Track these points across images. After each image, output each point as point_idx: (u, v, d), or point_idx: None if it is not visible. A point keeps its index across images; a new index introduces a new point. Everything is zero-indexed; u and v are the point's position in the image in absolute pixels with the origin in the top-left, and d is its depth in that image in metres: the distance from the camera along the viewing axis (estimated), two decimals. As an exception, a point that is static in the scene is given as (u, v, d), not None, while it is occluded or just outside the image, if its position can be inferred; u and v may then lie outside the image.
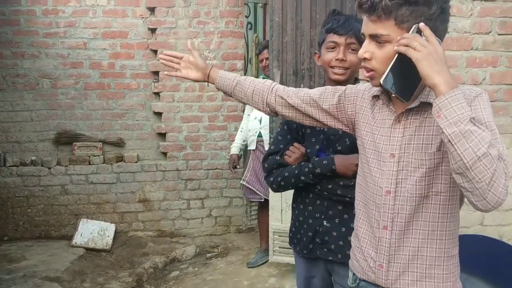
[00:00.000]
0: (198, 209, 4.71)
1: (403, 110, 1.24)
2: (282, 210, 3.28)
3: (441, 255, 1.24)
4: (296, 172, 1.76)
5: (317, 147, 1.78)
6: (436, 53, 1.05)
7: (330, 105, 1.43)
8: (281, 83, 3.20)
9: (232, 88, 1.55)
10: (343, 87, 1.45)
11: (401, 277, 1.26)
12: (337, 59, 1.71)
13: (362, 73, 1.86)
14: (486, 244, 2.17)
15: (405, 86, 1.14)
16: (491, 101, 1.20)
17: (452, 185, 1.20)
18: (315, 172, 1.71)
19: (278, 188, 1.86)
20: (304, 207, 1.84)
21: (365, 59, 1.20)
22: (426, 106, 1.20)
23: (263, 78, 3.79)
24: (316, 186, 1.75)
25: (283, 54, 3.17)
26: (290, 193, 3.24)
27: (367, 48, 1.19)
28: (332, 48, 1.73)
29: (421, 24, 1.09)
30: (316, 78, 3.11)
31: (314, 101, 1.44)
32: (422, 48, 1.05)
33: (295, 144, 1.82)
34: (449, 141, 1.01)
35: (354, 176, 1.58)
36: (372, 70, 1.20)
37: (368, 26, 1.18)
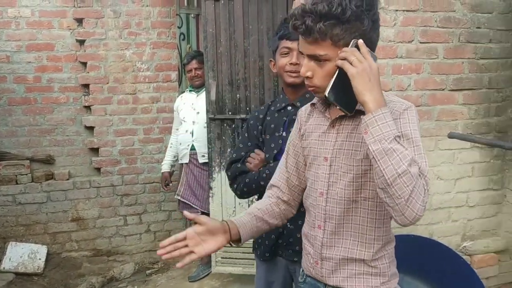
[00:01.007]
0: (135, 225, 4.58)
1: (338, 116, 1.30)
2: (223, 220, 3.26)
3: (369, 258, 1.30)
4: (255, 178, 1.82)
5: (275, 151, 1.83)
6: (370, 70, 1.11)
7: (298, 156, 1.46)
8: (217, 93, 3.20)
9: (258, 230, 1.44)
10: (292, 131, 1.50)
11: (333, 274, 1.32)
12: (291, 63, 1.80)
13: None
14: (419, 243, 2.28)
15: (348, 98, 1.18)
16: (416, 106, 1.29)
17: None
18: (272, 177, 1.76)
19: (242, 195, 1.93)
20: None
21: (307, 77, 1.24)
22: (360, 113, 1.22)
23: (190, 90, 3.81)
24: None
25: (218, 64, 3.18)
26: (231, 204, 3.25)
27: (308, 67, 1.24)
28: (285, 53, 1.82)
29: (360, 41, 1.14)
30: (251, 88, 3.14)
31: (297, 168, 1.46)
32: (358, 64, 1.11)
33: (256, 150, 1.89)
34: (373, 157, 1.08)
35: None
36: (315, 86, 1.25)
37: (306, 47, 1.22)
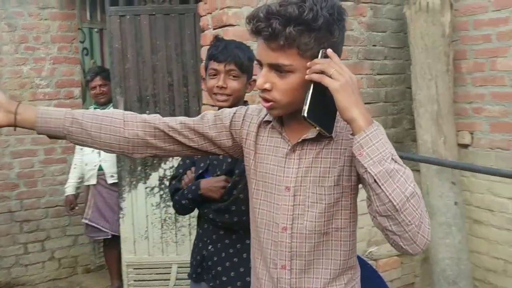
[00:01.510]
0: (38, 253, 4.25)
1: (299, 140, 1.13)
2: (135, 241, 3.14)
3: None
4: (180, 196, 1.78)
5: (201, 171, 1.79)
6: (352, 82, 0.97)
7: (214, 133, 1.25)
8: (125, 110, 3.09)
9: (66, 129, 1.17)
10: (229, 111, 1.28)
11: None
12: (218, 86, 1.70)
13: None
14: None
15: (326, 118, 1.05)
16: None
17: (352, 220, 1.16)
18: (187, 197, 1.74)
19: (178, 212, 1.90)
20: (199, 231, 1.85)
21: (264, 89, 1.07)
22: (322, 136, 1.10)
23: (95, 107, 3.65)
24: (199, 209, 1.79)
25: (126, 81, 3.08)
26: (143, 224, 3.14)
27: (267, 78, 1.06)
28: (214, 75, 1.72)
29: (329, 50, 1.00)
30: (161, 104, 3.09)
31: (192, 129, 1.24)
32: (340, 76, 0.96)
33: (192, 168, 1.83)
34: (375, 181, 0.93)
35: (223, 199, 1.63)
36: (272, 101, 1.08)
37: (267, 55, 1.04)
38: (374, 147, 0.94)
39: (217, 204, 1.68)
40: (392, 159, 0.95)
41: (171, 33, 3.08)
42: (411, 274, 3.27)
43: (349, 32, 2.89)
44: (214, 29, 2.73)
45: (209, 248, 1.74)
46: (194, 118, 1.28)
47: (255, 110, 1.27)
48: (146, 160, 3.15)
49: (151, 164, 3.16)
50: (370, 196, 0.98)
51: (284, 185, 1.15)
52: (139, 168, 3.16)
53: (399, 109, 3.21)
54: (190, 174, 1.81)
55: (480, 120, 2.91)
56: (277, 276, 1.16)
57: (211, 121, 1.26)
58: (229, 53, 1.69)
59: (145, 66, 3.09)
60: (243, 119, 1.25)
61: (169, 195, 1.98)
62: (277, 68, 1.04)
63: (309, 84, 1.01)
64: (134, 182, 3.16)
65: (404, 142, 3.26)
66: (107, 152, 1.27)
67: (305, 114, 0.99)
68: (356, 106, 0.96)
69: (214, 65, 1.71)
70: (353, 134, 0.98)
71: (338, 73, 0.96)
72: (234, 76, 1.71)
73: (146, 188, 3.16)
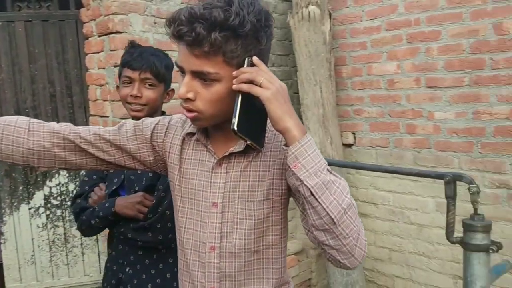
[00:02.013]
0: None
1: (226, 154, 1.06)
2: (20, 267, 2.87)
3: None
4: (89, 215, 1.62)
5: (114, 187, 1.64)
6: (282, 90, 0.92)
7: (133, 146, 1.14)
8: (1, 125, 2.83)
9: None
10: (150, 121, 1.18)
11: None
12: (132, 95, 1.60)
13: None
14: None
15: (257, 130, 0.98)
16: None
17: (283, 236, 1.10)
18: (98, 215, 1.59)
19: (84, 233, 1.71)
20: (111, 252, 1.69)
21: (187, 99, 0.98)
22: (250, 148, 1.03)
23: None
24: (114, 230, 1.63)
25: (1, 92, 2.82)
26: (28, 248, 2.88)
27: (190, 87, 0.97)
28: (128, 83, 1.62)
29: (255, 58, 0.94)
30: (43, 116, 2.87)
31: (108, 140, 1.13)
32: (270, 85, 0.90)
33: (101, 185, 1.67)
34: (312, 194, 0.88)
35: (148, 217, 1.51)
36: (196, 112, 0.99)
37: (190, 61, 0.95)
38: (310, 158, 0.89)
39: (138, 222, 1.56)
40: (327, 170, 0.91)
41: (50, 41, 2.88)
42: (308, 270, 3.41)
43: (237, 39, 2.95)
44: (99, 36, 2.61)
45: (127, 270, 1.61)
46: (110, 128, 1.16)
47: (179, 121, 1.17)
48: (29, 179, 2.91)
49: (34, 183, 2.92)
50: (305, 209, 0.93)
51: (211, 201, 1.07)
52: (20, 188, 2.90)
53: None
54: (99, 191, 1.66)
55: (361, 121, 3.15)
56: None
57: (130, 132, 1.15)
58: (144, 60, 1.60)
59: (23, 76, 2.85)
60: (166, 131, 1.16)
61: (71, 215, 1.81)
62: (201, 76, 0.96)
63: (237, 95, 0.93)
64: (15, 203, 2.90)
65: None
66: (10, 164, 1.13)
67: (235, 128, 0.90)
68: (290, 116, 0.90)
69: (128, 72, 1.61)
70: (286, 145, 0.92)
71: (268, 82, 0.90)
72: (149, 85, 1.61)
73: (30, 209, 2.91)
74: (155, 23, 2.62)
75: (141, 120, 1.19)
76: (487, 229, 1.52)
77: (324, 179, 0.88)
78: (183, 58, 0.97)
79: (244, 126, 0.91)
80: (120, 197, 1.60)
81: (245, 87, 0.91)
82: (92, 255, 2.97)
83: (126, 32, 2.50)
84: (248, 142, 0.95)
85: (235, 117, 0.90)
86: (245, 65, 0.94)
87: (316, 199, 0.87)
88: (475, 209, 1.55)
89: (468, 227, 1.54)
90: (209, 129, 1.10)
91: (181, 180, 1.12)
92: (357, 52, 3.11)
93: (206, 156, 1.09)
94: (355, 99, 3.16)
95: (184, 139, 1.13)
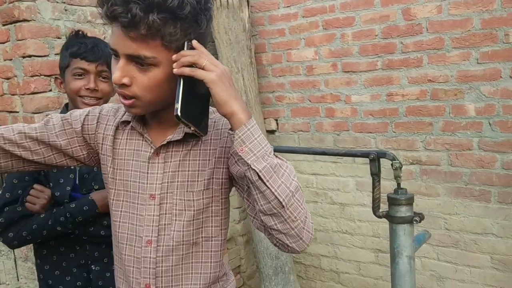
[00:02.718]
0: None
1: (164, 142, 1.01)
2: None
3: None
4: (50, 223, 1.47)
5: (68, 188, 1.51)
6: (227, 73, 0.89)
7: (63, 141, 1.07)
8: None
9: None
10: (79, 113, 1.11)
11: None
12: (88, 89, 1.51)
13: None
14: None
15: (200, 116, 0.93)
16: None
17: (224, 228, 1.07)
18: (75, 222, 1.47)
19: (21, 244, 1.53)
20: (58, 258, 1.55)
21: (123, 84, 0.92)
22: (189, 136, 1.01)
23: None
24: (74, 232, 1.51)
25: None
26: None
27: (125, 72, 0.91)
28: (80, 75, 1.52)
29: (195, 42, 0.91)
30: None
31: (35, 138, 1.05)
32: (213, 67, 0.87)
33: (37, 186, 1.48)
34: (260, 178, 0.85)
35: None
36: (132, 98, 0.94)
37: (125, 44, 0.89)
38: (256, 141, 0.87)
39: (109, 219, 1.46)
40: (274, 154, 0.90)
41: None
42: (237, 258, 3.44)
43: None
44: (4, 25, 2.40)
45: (93, 268, 1.54)
46: (36, 124, 1.08)
47: (111, 110, 1.12)
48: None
49: None
50: (251, 196, 0.91)
51: (148, 193, 1.02)
52: None
53: (211, 103, 3.32)
54: (42, 194, 1.47)
55: (283, 107, 3.21)
56: None
57: (58, 126, 1.07)
58: (101, 52, 1.53)
59: None
60: (97, 121, 1.10)
61: None
62: (137, 61, 0.91)
63: (178, 79, 0.89)
64: None
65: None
66: None
67: (179, 113, 0.86)
68: (235, 99, 0.88)
69: (82, 64, 1.52)
70: (232, 130, 0.90)
71: (212, 64, 0.87)
72: (104, 78, 1.55)
73: None
74: (65, 10, 2.46)
75: (68, 112, 1.12)
76: (410, 201, 1.62)
77: (272, 163, 0.87)
78: (117, 41, 0.91)
79: (188, 112, 0.88)
80: (94, 194, 1.49)
81: (187, 70, 0.87)
82: (7, 262, 2.76)
83: (35, 20, 2.32)
84: (191, 128, 0.91)
85: (177, 102, 0.86)
86: (185, 49, 0.90)
87: (264, 183, 0.85)
88: (398, 184, 1.64)
89: (392, 201, 1.63)
90: (146, 117, 1.05)
91: (114, 172, 1.07)
92: (276, 39, 3.16)
93: (142, 145, 1.05)
94: (276, 85, 3.21)
95: (117, 128, 1.08)
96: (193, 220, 1.01)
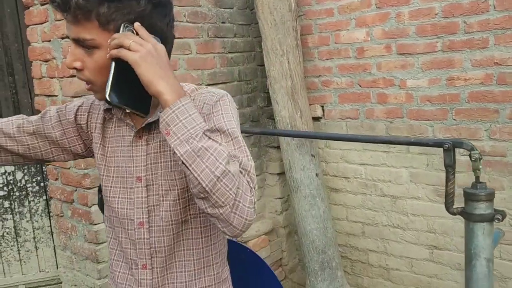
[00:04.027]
0: None
1: (143, 125, 1.03)
2: (-38, 269, 2.56)
3: (212, 283, 1.10)
4: None
5: None
6: (156, 52, 0.88)
7: (59, 132, 1.12)
8: None
9: None
10: (74, 104, 1.15)
11: None
12: None
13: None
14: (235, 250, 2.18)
15: (138, 97, 0.93)
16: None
17: None
18: None
19: None
20: None
21: (76, 69, 0.95)
22: None
23: None
24: None
25: None
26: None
27: (75, 56, 0.94)
28: None
29: (137, 24, 0.90)
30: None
31: (32, 133, 1.11)
32: (139, 47, 0.86)
33: None
34: (183, 163, 0.84)
35: None
36: (89, 83, 0.97)
37: (69, 29, 0.93)
38: (182, 124, 0.84)
39: None
40: (205, 135, 0.85)
41: (-16, 12, 2.53)
42: (279, 250, 3.30)
43: (197, 8, 2.73)
44: (42, 4, 2.30)
45: None
46: (34, 117, 1.13)
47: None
48: None
49: (-26, 173, 2.60)
50: (186, 178, 0.91)
51: (135, 176, 1.04)
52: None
53: (253, 87, 3.17)
54: None
55: (329, 93, 3.02)
56: (139, 277, 1.07)
57: (54, 118, 1.13)
58: None
59: (-47, 53, 2.50)
60: (89, 111, 1.13)
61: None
62: (81, 44, 0.93)
63: (111, 62, 0.90)
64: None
65: (260, 120, 3.24)
66: None
67: (107, 97, 0.89)
68: (162, 78, 0.86)
69: None
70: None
71: (137, 44, 0.86)
72: None
73: (-29, 202, 2.59)
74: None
75: (64, 104, 1.17)
76: (490, 197, 1.43)
77: (195, 147, 0.83)
78: (66, 26, 0.94)
79: (121, 94, 0.90)
80: None
81: (114, 52, 0.87)
82: (46, 249, 2.70)
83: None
84: (128, 110, 0.93)
85: (107, 86, 0.89)
86: (121, 31, 0.90)
87: (187, 167, 0.84)
88: (477, 177, 1.45)
89: (470, 196, 1.45)
90: None
91: (107, 159, 1.09)
92: (324, 19, 2.96)
93: (126, 130, 1.07)
94: (323, 69, 3.02)
95: (105, 117, 1.10)
96: (179, 199, 1.02)
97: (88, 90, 0.99)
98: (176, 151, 0.84)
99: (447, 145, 1.46)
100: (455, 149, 1.47)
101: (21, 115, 1.14)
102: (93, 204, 2.24)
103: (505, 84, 2.36)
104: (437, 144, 1.51)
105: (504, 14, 2.31)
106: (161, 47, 0.89)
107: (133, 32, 0.90)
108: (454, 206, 1.49)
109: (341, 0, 2.86)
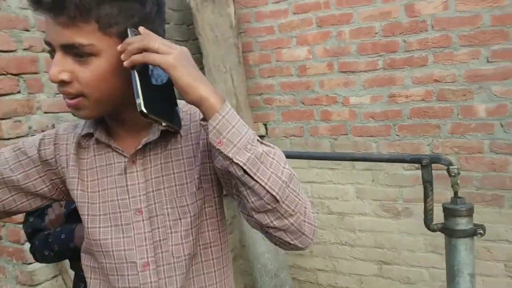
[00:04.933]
0: None
1: (140, 147, 0.87)
2: None
3: None
4: (42, 244, 1.31)
5: (74, 206, 1.32)
6: (186, 53, 0.75)
7: (21, 175, 0.92)
8: None
9: None
10: (33, 139, 0.95)
11: None
12: None
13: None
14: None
15: (168, 108, 0.80)
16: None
17: (221, 230, 0.94)
18: (54, 249, 1.28)
19: (39, 260, 1.37)
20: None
21: (61, 81, 0.77)
22: (166, 135, 0.88)
23: None
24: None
25: None
26: None
27: (63, 66, 0.76)
28: None
29: (141, 28, 0.77)
30: None
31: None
32: (169, 49, 0.72)
33: (56, 203, 1.34)
34: (246, 172, 0.72)
35: None
36: (77, 96, 0.79)
37: (57, 33, 0.75)
38: (235, 129, 0.72)
39: None
40: (258, 140, 0.75)
41: None
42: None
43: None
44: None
45: None
46: None
47: (69, 127, 0.97)
48: None
49: None
50: (240, 192, 0.77)
51: (132, 209, 0.87)
52: None
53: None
54: (57, 208, 1.31)
55: (272, 111, 2.97)
56: None
57: (11, 159, 0.92)
58: None
59: None
60: (55, 143, 0.94)
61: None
62: (74, 51, 0.76)
63: (132, 72, 0.75)
64: None
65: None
66: None
67: (143, 109, 0.72)
68: (201, 81, 0.73)
69: None
70: (204, 120, 0.75)
71: (166, 46, 0.72)
72: None
73: None
74: (34, -2, 2.10)
75: (21, 141, 0.97)
76: (470, 212, 1.44)
77: (257, 152, 0.72)
78: (48, 31, 0.76)
79: (153, 106, 0.74)
80: (80, 225, 1.21)
81: (139, 58, 0.73)
82: None
83: (0, 9, 1.94)
84: (163, 124, 0.77)
85: (138, 97, 0.73)
86: (130, 36, 0.76)
87: (252, 177, 0.72)
88: (455, 192, 1.45)
89: (451, 212, 1.44)
90: (108, 123, 0.90)
91: (89, 196, 0.90)
92: (264, 37, 2.91)
93: (113, 157, 0.90)
94: (265, 87, 2.97)
95: (79, 145, 0.92)
96: (191, 228, 0.88)
97: (72, 106, 0.80)
98: (236, 161, 0.71)
99: (425, 161, 1.45)
100: (432, 164, 1.46)
101: None
102: (26, 241, 1.95)
103: (445, 100, 2.47)
104: (414, 160, 1.50)
105: (442, 33, 2.42)
106: (185, 48, 0.76)
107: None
108: (433, 223, 1.48)
109: (281, 18, 2.84)
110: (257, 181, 0.72)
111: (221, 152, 0.72)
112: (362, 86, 2.67)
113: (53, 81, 0.77)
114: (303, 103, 2.85)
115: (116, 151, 0.89)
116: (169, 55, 0.71)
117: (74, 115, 0.82)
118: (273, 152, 0.75)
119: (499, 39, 2.31)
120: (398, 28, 2.52)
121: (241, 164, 0.71)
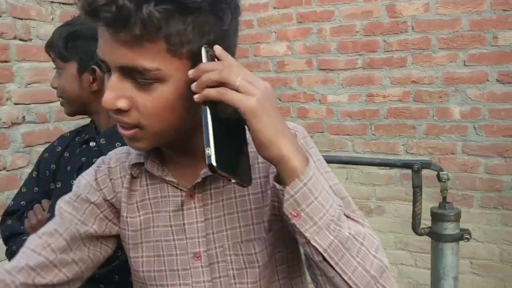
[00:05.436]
0: None
1: (199, 180, 0.72)
2: None
3: None
4: (19, 247, 1.14)
5: (48, 214, 1.20)
6: (269, 94, 0.60)
7: (93, 225, 0.77)
8: None
9: None
10: (84, 181, 0.81)
11: None
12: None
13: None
14: None
15: (238, 158, 0.64)
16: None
17: (295, 275, 0.78)
18: None
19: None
20: None
21: (118, 110, 0.64)
22: None
23: None
24: None
25: None
26: None
27: (120, 91, 0.63)
28: None
29: (217, 48, 0.63)
30: None
31: (63, 249, 0.75)
32: (252, 88, 0.58)
33: (43, 202, 1.22)
34: (325, 259, 0.59)
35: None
36: (135, 127, 0.66)
37: (116, 53, 0.61)
38: (318, 202, 0.59)
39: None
40: (344, 215, 0.62)
41: None
42: None
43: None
44: None
45: None
46: (48, 227, 0.77)
47: (122, 155, 0.82)
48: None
49: None
50: (315, 275, 0.64)
51: (190, 252, 0.74)
52: None
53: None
54: (39, 212, 1.19)
55: (248, 106, 2.93)
56: None
57: (79, 212, 0.77)
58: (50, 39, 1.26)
59: None
60: (110, 178, 0.80)
61: None
62: (134, 75, 0.62)
63: (203, 108, 0.60)
64: None
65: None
66: None
67: (213, 163, 0.57)
68: (284, 136, 0.59)
69: None
70: (279, 182, 0.61)
71: (248, 82, 0.58)
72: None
73: None
74: (5, -20, 1.97)
75: (74, 185, 0.81)
76: (458, 217, 1.46)
77: (342, 236, 0.59)
78: (105, 48, 0.63)
79: (224, 157, 0.58)
80: None
81: (213, 93, 0.59)
82: None
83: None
84: (232, 180, 0.61)
85: (208, 145, 0.57)
86: (204, 59, 0.62)
87: (332, 267, 0.59)
88: (444, 197, 1.48)
89: (438, 217, 1.46)
90: (162, 149, 0.76)
91: (143, 234, 0.77)
92: (243, 31, 2.87)
93: (167, 189, 0.76)
94: (242, 81, 2.93)
95: (132, 177, 0.78)
96: (260, 280, 0.73)
97: (129, 138, 0.67)
98: (315, 244, 0.58)
99: (416, 166, 1.46)
100: (422, 170, 1.48)
101: (31, 244, 0.79)
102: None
103: (421, 102, 2.51)
104: (406, 165, 1.51)
105: (422, 35, 2.45)
106: (269, 85, 0.61)
107: (213, 59, 0.63)
108: (421, 227, 1.50)
109: (260, 12, 2.80)
110: (338, 273, 0.59)
111: (297, 228, 0.59)
112: (341, 84, 2.68)
113: (108, 109, 0.64)
114: (280, 100, 2.84)
115: (172, 184, 0.76)
116: (252, 98, 0.57)
117: (129, 145, 0.70)
118: (362, 234, 0.61)
119: (476, 43, 2.36)
120: (379, 28, 2.54)
121: (320, 250, 0.58)
